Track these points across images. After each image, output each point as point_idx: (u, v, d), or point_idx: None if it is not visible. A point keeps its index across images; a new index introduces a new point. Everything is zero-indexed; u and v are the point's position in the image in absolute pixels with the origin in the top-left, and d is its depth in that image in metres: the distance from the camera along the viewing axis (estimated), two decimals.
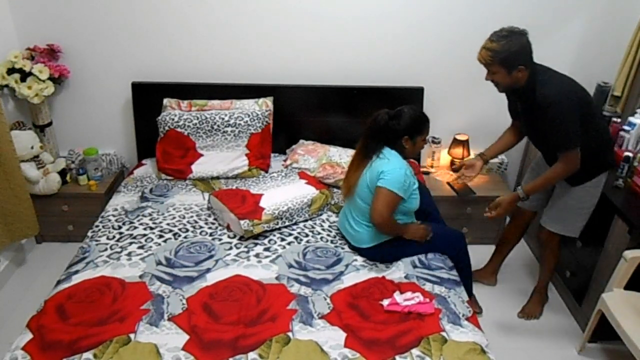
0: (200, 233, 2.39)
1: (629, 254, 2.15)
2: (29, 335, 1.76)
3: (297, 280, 2.10)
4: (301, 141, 3.13)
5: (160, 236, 2.35)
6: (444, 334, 1.85)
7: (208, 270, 2.14)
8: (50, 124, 3.05)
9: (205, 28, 2.93)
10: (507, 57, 1.99)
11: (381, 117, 2.17)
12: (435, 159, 3.29)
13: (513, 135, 2.50)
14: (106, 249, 2.25)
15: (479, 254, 2.85)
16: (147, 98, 3.02)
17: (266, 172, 2.94)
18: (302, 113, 3.11)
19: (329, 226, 2.49)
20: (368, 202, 2.19)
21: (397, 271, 2.18)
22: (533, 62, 2.06)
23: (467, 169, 2.53)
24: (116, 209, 2.58)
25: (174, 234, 2.37)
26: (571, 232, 2.39)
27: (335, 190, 2.79)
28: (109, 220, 2.48)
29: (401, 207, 2.20)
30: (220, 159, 2.88)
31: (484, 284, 2.86)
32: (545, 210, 2.46)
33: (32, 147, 2.80)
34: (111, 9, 2.86)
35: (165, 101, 3.00)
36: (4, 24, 2.81)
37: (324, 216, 2.58)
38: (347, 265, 2.20)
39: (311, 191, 2.56)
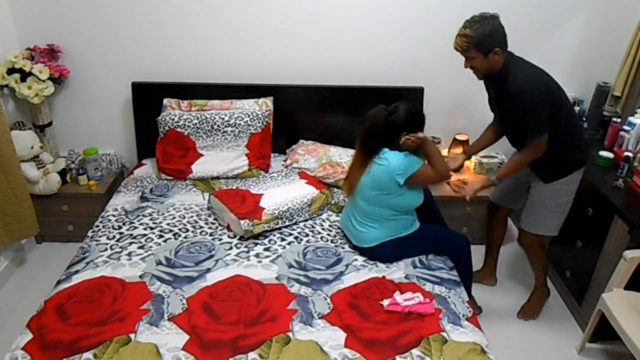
0: (200, 233, 2.39)
1: (629, 254, 2.15)
2: (29, 335, 1.76)
3: (297, 280, 2.10)
4: (301, 141, 3.13)
5: (160, 236, 2.35)
6: (444, 334, 1.85)
7: (208, 270, 2.13)
8: (50, 124, 3.05)
9: (205, 28, 2.94)
10: (482, 40, 2.04)
11: (381, 113, 2.16)
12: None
13: (492, 132, 2.53)
14: (106, 249, 2.25)
15: (479, 254, 2.85)
16: (147, 98, 3.02)
17: (266, 172, 2.94)
18: (302, 113, 3.11)
19: (329, 226, 2.49)
20: (372, 203, 2.20)
21: (397, 271, 2.18)
22: (507, 48, 2.11)
23: (449, 161, 2.59)
24: (116, 209, 2.58)
25: (174, 234, 2.37)
26: (548, 230, 2.42)
27: (335, 190, 2.79)
28: (109, 220, 2.48)
29: (404, 204, 2.21)
30: (220, 159, 2.88)
31: (484, 284, 2.86)
32: (523, 213, 2.49)
33: (32, 147, 2.80)
34: (111, 9, 2.87)
35: (165, 101, 3.00)
36: (4, 24, 2.81)
37: (324, 216, 2.58)
38: (347, 265, 2.20)
39: (311, 191, 2.56)
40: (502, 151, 3.31)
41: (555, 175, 2.29)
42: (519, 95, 2.07)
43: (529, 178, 2.42)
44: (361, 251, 2.28)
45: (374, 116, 2.17)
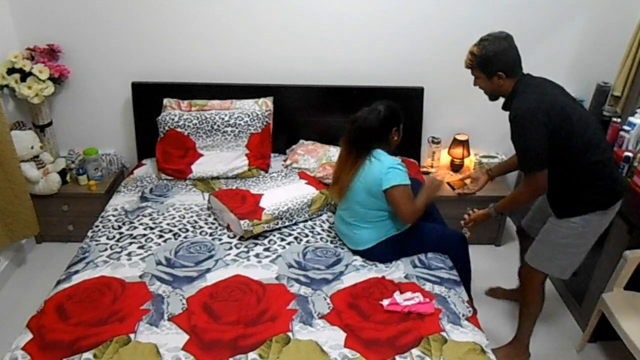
0: (200, 233, 2.39)
1: (629, 254, 2.15)
2: (29, 335, 1.76)
3: (297, 280, 2.10)
4: (301, 141, 3.13)
5: (160, 236, 2.35)
6: (444, 334, 1.84)
7: (208, 270, 2.13)
8: (50, 124, 3.05)
9: (205, 28, 2.94)
10: (483, 61, 1.94)
11: (371, 115, 2.15)
12: (435, 159, 3.29)
13: None
14: (106, 249, 2.25)
15: (479, 254, 2.85)
16: (147, 98, 3.02)
17: (266, 172, 2.94)
18: (302, 113, 3.11)
19: (329, 226, 2.49)
20: (366, 206, 2.19)
21: (397, 271, 2.18)
22: (517, 72, 1.96)
23: (472, 182, 2.45)
24: (116, 209, 2.58)
25: (174, 234, 2.37)
26: (553, 270, 2.13)
27: None
28: (109, 220, 2.48)
29: None
30: (220, 159, 2.88)
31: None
32: (531, 245, 2.20)
33: (32, 147, 2.81)
34: (111, 9, 2.87)
35: (165, 101, 3.00)
36: (4, 24, 2.81)
37: (324, 216, 2.58)
38: (347, 265, 2.20)
39: (311, 191, 2.56)
40: (502, 151, 3.31)
41: (568, 212, 2.02)
42: (512, 121, 1.89)
43: (548, 212, 2.13)
44: (358, 254, 2.28)
45: (363, 118, 2.16)
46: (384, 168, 2.11)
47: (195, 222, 2.48)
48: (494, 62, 1.92)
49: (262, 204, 2.43)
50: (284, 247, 2.31)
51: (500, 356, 2.27)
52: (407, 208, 2.12)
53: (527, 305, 2.27)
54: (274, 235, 2.39)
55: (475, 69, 1.99)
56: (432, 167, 3.31)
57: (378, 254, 2.24)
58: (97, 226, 2.44)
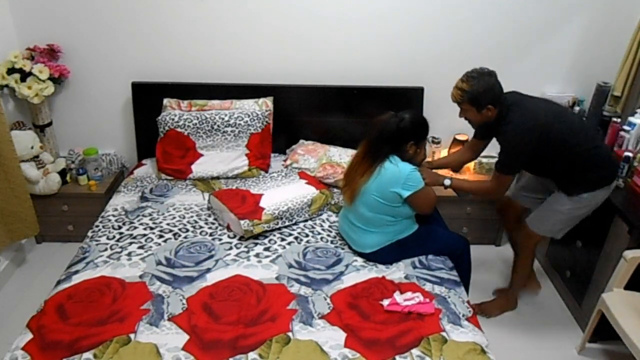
0: (200, 233, 2.39)
1: (629, 254, 2.15)
2: (29, 335, 1.76)
3: (297, 280, 2.10)
4: (301, 141, 3.13)
5: (160, 236, 2.35)
6: (444, 334, 1.85)
7: (208, 270, 2.13)
8: (50, 124, 3.05)
9: (205, 28, 2.93)
10: (476, 96, 2.12)
11: (392, 120, 2.15)
12: (435, 159, 3.28)
13: (465, 153, 2.62)
14: (106, 249, 2.25)
15: (479, 254, 2.85)
16: (147, 98, 3.02)
17: (266, 172, 2.94)
18: (302, 113, 3.11)
19: (329, 226, 2.49)
20: (375, 209, 2.18)
21: (397, 271, 2.18)
22: (502, 100, 2.17)
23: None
24: (116, 209, 2.58)
25: (174, 234, 2.37)
26: (553, 233, 2.40)
27: (335, 190, 2.79)
28: (109, 220, 2.48)
29: (405, 212, 2.21)
30: (220, 159, 2.88)
31: (531, 293, 2.80)
32: (534, 211, 2.46)
33: (32, 147, 2.80)
34: (111, 9, 2.86)
35: (165, 101, 3.00)
36: (4, 24, 2.81)
37: (324, 216, 2.58)
38: (347, 266, 2.20)
39: (311, 191, 2.56)
40: None
41: (580, 189, 2.25)
42: (508, 131, 2.14)
43: (553, 188, 2.38)
44: (361, 255, 2.27)
45: (385, 122, 2.16)
46: (402, 175, 2.11)
47: (196, 222, 2.47)
48: (484, 97, 2.12)
49: (262, 203, 2.42)
50: (284, 247, 2.31)
51: (495, 307, 2.63)
52: (428, 206, 2.25)
53: (522, 264, 2.55)
54: (274, 235, 2.39)
55: (465, 103, 2.16)
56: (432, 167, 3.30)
57: (381, 257, 2.23)
58: (97, 226, 2.44)
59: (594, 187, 2.24)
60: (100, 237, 2.34)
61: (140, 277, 2.08)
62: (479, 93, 2.10)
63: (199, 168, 2.86)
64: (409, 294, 1.99)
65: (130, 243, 2.29)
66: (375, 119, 2.20)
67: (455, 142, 3.19)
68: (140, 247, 2.26)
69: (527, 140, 2.12)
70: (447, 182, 2.32)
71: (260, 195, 2.51)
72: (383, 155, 2.15)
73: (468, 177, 3.07)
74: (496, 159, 2.24)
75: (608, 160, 2.28)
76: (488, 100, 2.12)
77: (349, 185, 2.25)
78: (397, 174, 2.11)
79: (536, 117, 2.13)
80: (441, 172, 2.63)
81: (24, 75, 2.79)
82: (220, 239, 2.34)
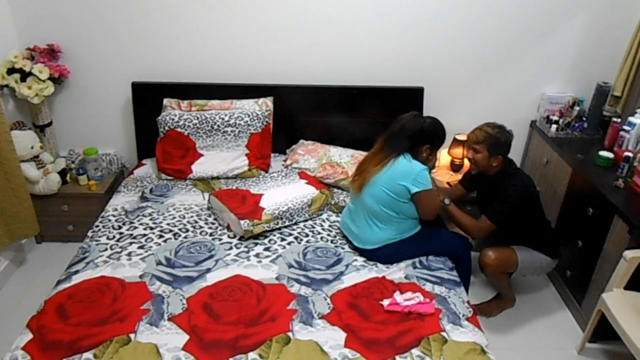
0: (200, 233, 2.39)
1: (629, 254, 2.15)
2: (29, 335, 1.76)
3: (297, 280, 2.10)
4: (301, 141, 3.13)
5: (160, 236, 2.35)
6: (444, 334, 1.85)
7: (208, 270, 2.14)
8: (50, 124, 3.05)
9: (205, 28, 2.93)
10: (496, 143, 2.28)
11: (417, 119, 2.23)
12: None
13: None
14: (106, 249, 2.25)
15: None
16: (147, 98, 3.02)
17: (266, 172, 2.94)
18: (302, 113, 3.11)
19: (329, 226, 2.49)
20: (381, 202, 2.20)
21: (397, 271, 2.18)
22: (508, 158, 2.38)
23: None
24: (116, 209, 2.58)
25: (174, 234, 2.37)
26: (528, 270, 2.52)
27: (335, 190, 2.79)
28: (109, 220, 2.48)
29: (409, 210, 2.21)
30: (220, 159, 2.88)
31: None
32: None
33: (32, 147, 2.80)
34: (111, 9, 2.86)
35: (165, 101, 3.00)
36: (4, 24, 2.81)
37: (324, 216, 2.58)
38: (347, 265, 2.20)
39: (311, 191, 2.56)
40: None
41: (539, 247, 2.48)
42: (514, 184, 2.31)
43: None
44: (362, 252, 2.28)
45: (409, 119, 2.23)
46: (414, 171, 2.15)
47: (196, 222, 2.47)
48: (501, 147, 2.30)
49: (262, 203, 2.42)
50: (284, 247, 2.31)
51: (494, 307, 2.66)
52: (431, 212, 2.25)
53: (502, 276, 2.58)
54: (274, 235, 2.39)
55: (483, 145, 2.30)
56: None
57: (382, 255, 2.24)
58: (97, 226, 2.44)
59: (537, 246, 2.47)
60: (100, 237, 2.34)
61: (140, 277, 2.08)
62: (500, 142, 2.28)
63: (199, 168, 2.86)
64: (409, 294, 2.00)
65: (130, 243, 2.29)
66: (400, 116, 2.27)
67: (455, 142, 3.19)
68: (140, 247, 2.26)
69: (526, 200, 2.33)
70: (447, 201, 2.38)
71: (260, 195, 2.51)
72: (399, 150, 2.20)
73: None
74: (490, 208, 2.33)
75: (555, 239, 2.53)
76: (501, 152, 2.30)
77: (361, 174, 2.30)
78: (409, 169, 2.15)
79: (534, 184, 2.41)
80: (438, 176, 2.66)
81: (24, 75, 2.79)
82: (220, 239, 2.34)
